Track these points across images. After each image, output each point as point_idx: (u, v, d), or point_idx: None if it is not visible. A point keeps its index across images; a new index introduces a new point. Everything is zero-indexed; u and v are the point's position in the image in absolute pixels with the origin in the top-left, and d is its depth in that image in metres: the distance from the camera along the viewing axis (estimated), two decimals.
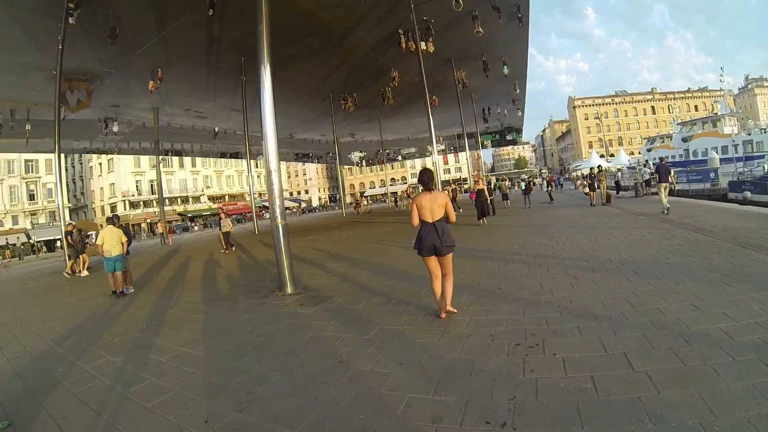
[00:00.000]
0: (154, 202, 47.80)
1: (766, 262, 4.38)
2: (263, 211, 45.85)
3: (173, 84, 17.36)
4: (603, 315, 3.30)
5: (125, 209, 48.62)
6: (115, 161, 48.27)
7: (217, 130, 27.05)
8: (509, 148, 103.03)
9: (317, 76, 18.93)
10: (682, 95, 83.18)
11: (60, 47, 11.79)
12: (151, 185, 48.99)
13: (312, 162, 45.21)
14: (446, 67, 18.71)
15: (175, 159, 52.15)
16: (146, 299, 6.65)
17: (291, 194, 78.28)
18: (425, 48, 14.86)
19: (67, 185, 53.21)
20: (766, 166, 18.47)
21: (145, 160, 49.66)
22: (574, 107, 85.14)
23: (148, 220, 46.43)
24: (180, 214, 53.29)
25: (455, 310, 3.79)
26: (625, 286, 4.06)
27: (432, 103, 16.92)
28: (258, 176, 54.10)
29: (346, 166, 55.47)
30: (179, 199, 55.29)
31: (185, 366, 3.31)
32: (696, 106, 78.94)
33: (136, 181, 50.93)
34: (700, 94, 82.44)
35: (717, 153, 25.45)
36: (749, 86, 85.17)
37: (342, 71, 18.76)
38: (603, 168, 20.79)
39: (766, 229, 6.28)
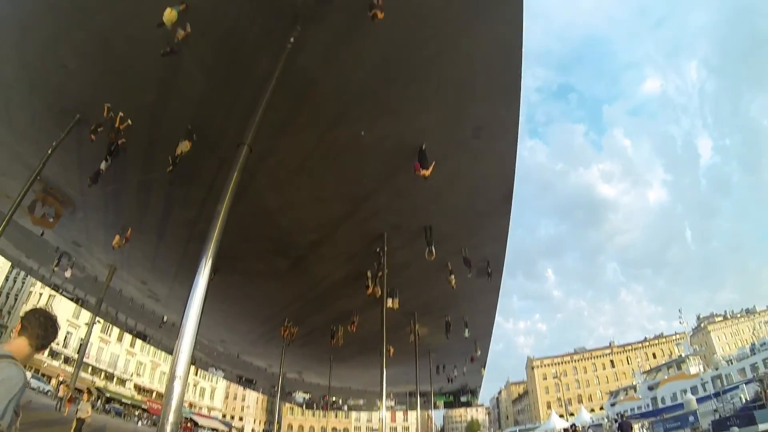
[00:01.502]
0: (74, 361, 42.08)
1: None
2: (190, 425, 39.47)
3: (138, 251, 17.22)
4: None
5: (44, 354, 42.43)
6: (56, 300, 44.87)
7: (165, 320, 25.42)
8: (462, 409, 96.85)
9: (277, 300, 18.90)
10: (640, 345, 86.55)
11: (49, 152, 11.10)
12: (80, 344, 44.02)
13: (254, 390, 41.62)
14: (407, 320, 18.63)
15: (116, 330, 48.46)
16: None
17: (224, 416, 69.67)
18: (390, 305, 14.92)
19: None
20: (742, 395, 18.15)
21: (86, 314, 46.11)
22: (533, 368, 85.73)
23: (61, 378, 39.86)
24: (98, 389, 45.98)
25: None
26: None
27: (388, 353, 15.99)
28: (194, 385, 48.79)
29: (288, 404, 50.62)
30: (104, 373, 48.59)
31: None
32: (654, 354, 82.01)
33: (67, 332, 46.15)
34: (656, 342, 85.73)
35: (687, 394, 25.22)
36: (702, 325, 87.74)
37: (303, 303, 18.81)
38: (578, 428, 19.33)
39: None
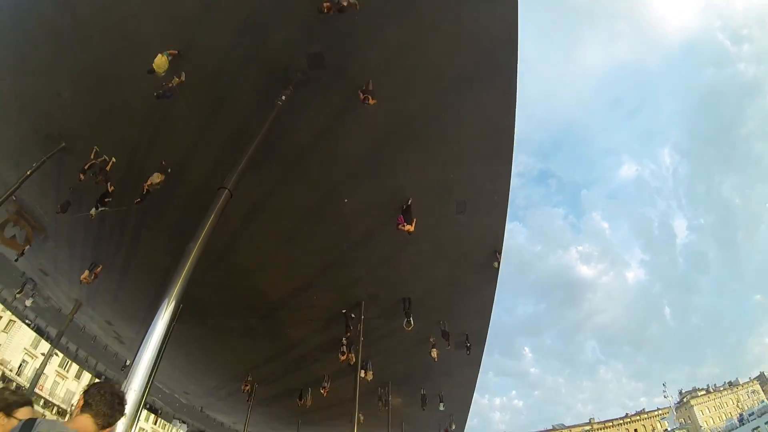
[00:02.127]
0: (26, 391, 39.09)
1: None
2: None
3: (106, 290, 16.43)
4: None
5: None
6: (16, 326, 42.56)
7: (127, 363, 23.86)
8: None
9: (247, 358, 17.91)
10: (621, 421, 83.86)
11: (28, 173, 10.55)
12: (36, 374, 41.33)
13: None
14: (382, 389, 17.57)
15: (75, 367, 45.60)
16: None
17: None
18: (364, 375, 14.18)
19: None
20: None
21: (46, 345, 43.61)
22: None
23: None
24: None
25: None
26: None
27: (359, 421, 14.94)
28: None
29: None
30: (56, 408, 45.30)
31: None
32: (636, 429, 79.51)
33: (23, 361, 43.39)
34: (638, 417, 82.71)
35: None
36: (684, 399, 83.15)
37: (274, 363, 17.84)
38: None
39: None
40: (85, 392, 2.44)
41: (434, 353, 13.64)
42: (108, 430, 2.39)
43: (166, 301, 5.50)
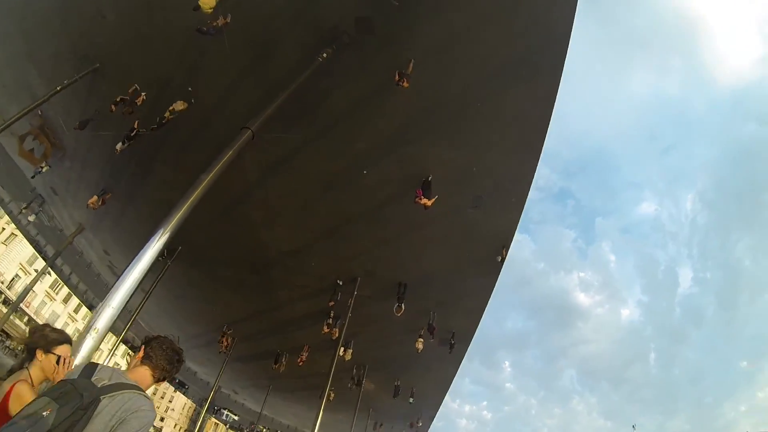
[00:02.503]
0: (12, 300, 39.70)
1: None
2: None
3: (111, 217, 16.57)
4: None
5: None
6: (15, 240, 43.03)
7: None
8: None
9: (233, 311, 18.02)
10: None
11: (58, 88, 10.63)
12: (25, 290, 41.88)
13: (185, 395, 39.34)
14: (357, 371, 17.67)
15: (65, 291, 46.03)
16: None
17: None
18: (342, 353, 14.24)
19: None
20: None
21: (42, 263, 44.12)
22: None
23: None
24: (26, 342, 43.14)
25: None
26: None
27: (329, 397, 15.03)
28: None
29: (214, 420, 47.92)
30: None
31: None
32: None
33: (16, 275, 44.04)
34: None
35: None
36: None
37: (258, 321, 18.03)
38: None
39: None
40: (146, 345, 2.47)
41: (419, 344, 13.64)
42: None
43: (162, 230, 5.52)
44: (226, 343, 19.02)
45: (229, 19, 8.09)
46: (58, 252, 19.86)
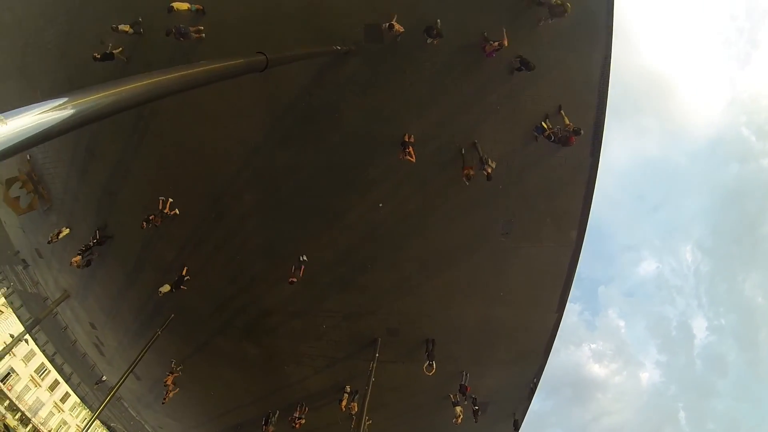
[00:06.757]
0: None
1: None
2: None
3: (98, 284, 15.15)
4: None
5: None
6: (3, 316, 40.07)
7: (103, 379, 21.13)
8: None
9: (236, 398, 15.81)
10: None
11: None
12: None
13: None
14: None
15: (52, 378, 41.82)
16: None
17: None
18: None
19: None
20: None
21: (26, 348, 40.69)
22: None
23: None
24: (6, 426, 39.81)
25: None
26: None
27: None
28: None
29: None
30: (20, 414, 42.00)
31: None
32: None
33: None
34: None
35: None
36: None
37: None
38: None
39: None
40: None
41: (458, 412, 11.07)
42: None
43: None
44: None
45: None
46: (38, 319, 18.02)
